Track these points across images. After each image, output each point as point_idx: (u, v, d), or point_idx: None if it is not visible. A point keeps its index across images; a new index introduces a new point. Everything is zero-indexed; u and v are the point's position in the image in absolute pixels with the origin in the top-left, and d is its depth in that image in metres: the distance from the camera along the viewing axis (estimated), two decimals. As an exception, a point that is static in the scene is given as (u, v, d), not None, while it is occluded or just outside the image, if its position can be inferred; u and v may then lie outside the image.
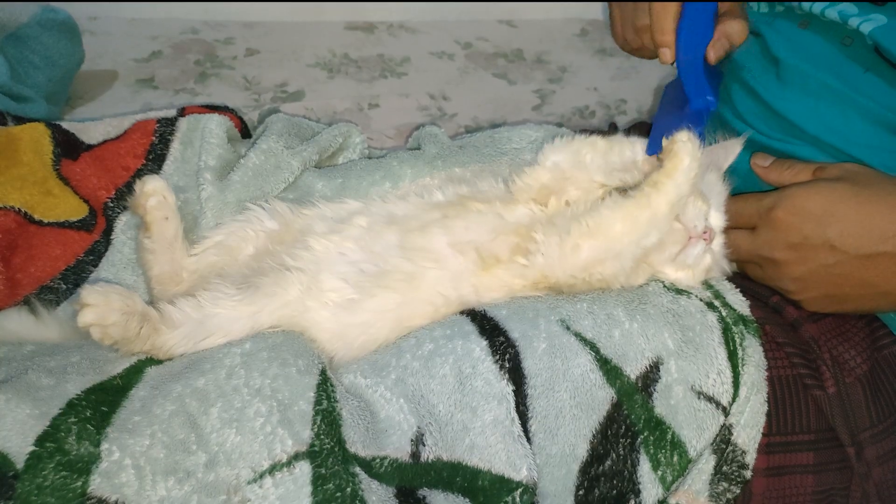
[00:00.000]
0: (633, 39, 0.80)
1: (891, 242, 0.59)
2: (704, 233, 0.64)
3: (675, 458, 0.57)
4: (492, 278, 0.62)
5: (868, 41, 0.68)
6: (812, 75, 0.73)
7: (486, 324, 0.58)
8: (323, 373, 0.56)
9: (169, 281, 0.67)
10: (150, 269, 0.67)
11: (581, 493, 0.55)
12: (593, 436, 0.56)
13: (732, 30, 0.72)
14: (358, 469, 0.52)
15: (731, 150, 0.70)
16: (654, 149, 0.66)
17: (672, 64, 0.74)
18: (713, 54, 0.72)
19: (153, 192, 0.67)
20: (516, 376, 0.55)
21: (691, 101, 0.71)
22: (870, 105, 0.69)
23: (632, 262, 0.62)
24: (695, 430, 0.58)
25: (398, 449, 0.54)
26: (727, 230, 0.67)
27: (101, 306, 0.56)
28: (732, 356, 0.60)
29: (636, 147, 0.67)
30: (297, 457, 0.50)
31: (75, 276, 0.68)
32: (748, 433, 0.59)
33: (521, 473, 0.52)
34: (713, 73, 0.74)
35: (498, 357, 0.55)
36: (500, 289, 0.62)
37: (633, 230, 0.60)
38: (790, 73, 0.75)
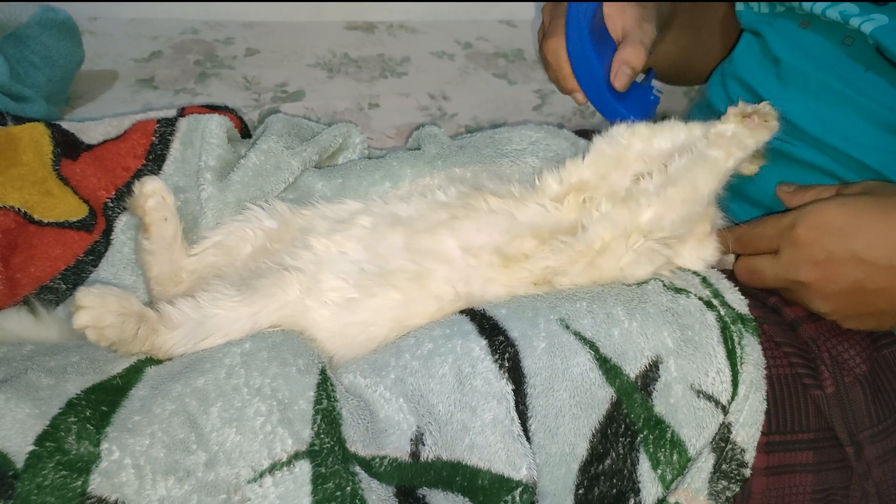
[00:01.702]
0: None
1: None
2: None
3: (675, 457, 0.57)
4: (509, 276, 0.62)
5: (869, 41, 0.68)
6: (812, 75, 0.73)
7: (485, 323, 0.58)
8: (323, 372, 0.56)
9: (168, 281, 0.67)
10: (150, 270, 0.67)
11: (581, 492, 0.55)
12: (593, 435, 0.56)
13: (629, 56, 0.72)
14: (358, 468, 0.52)
15: None
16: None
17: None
18: (619, 83, 0.73)
19: (152, 193, 0.67)
20: (516, 375, 0.55)
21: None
22: (870, 105, 0.69)
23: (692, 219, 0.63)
24: (694, 428, 0.58)
25: (398, 448, 0.54)
26: (749, 257, 0.66)
27: (96, 308, 0.56)
28: (731, 355, 0.60)
29: (691, 129, 0.67)
30: (297, 456, 0.50)
31: (75, 276, 0.69)
32: (747, 431, 0.59)
33: (520, 473, 0.52)
34: (640, 88, 0.77)
35: (497, 356, 0.55)
36: (511, 287, 0.62)
37: (712, 181, 0.62)
38: (790, 73, 0.75)
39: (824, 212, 0.61)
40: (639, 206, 0.61)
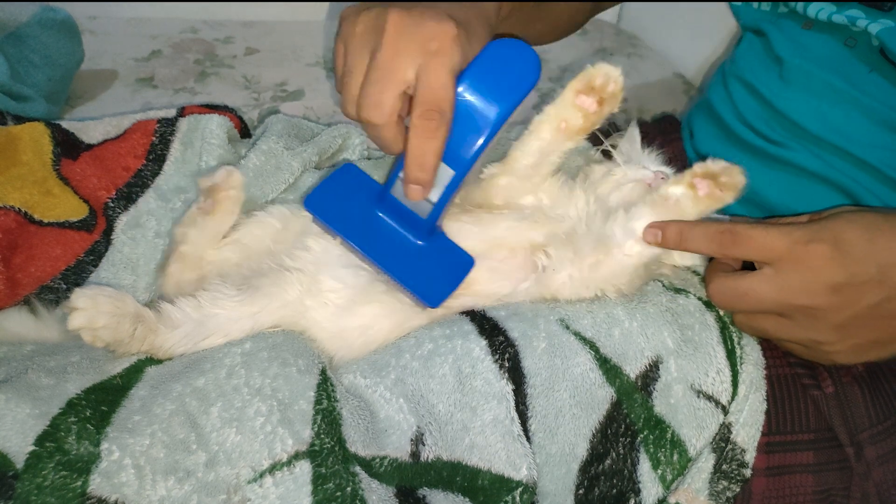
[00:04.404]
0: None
1: None
2: (656, 175, 0.64)
3: (675, 457, 0.57)
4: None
5: (874, 42, 0.68)
6: (816, 75, 0.73)
7: (485, 323, 0.58)
8: (323, 372, 0.56)
9: (193, 262, 0.66)
10: (182, 244, 0.66)
11: (581, 492, 0.55)
12: (593, 435, 0.56)
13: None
14: (358, 468, 0.52)
15: (631, 136, 0.72)
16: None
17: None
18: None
19: (237, 185, 0.67)
20: (516, 375, 0.55)
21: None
22: (874, 105, 0.69)
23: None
24: (694, 428, 0.58)
25: (398, 449, 0.54)
26: (736, 276, 0.58)
27: (89, 309, 0.56)
28: (731, 355, 0.60)
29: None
30: (297, 456, 0.50)
31: (75, 276, 0.68)
32: (747, 431, 0.59)
33: (520, 473, 0.52)
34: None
35: (497, 356, 0.55)
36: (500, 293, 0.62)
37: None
38: (793, 73, 0.75)
39: (842, 229, 0.54)
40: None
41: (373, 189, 0.61)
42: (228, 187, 0.66)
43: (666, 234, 0.58)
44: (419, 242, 0.61)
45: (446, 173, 0.57)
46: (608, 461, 0.56)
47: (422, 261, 0.60)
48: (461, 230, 0.63)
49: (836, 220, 0.55)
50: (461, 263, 0.61)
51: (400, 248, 0.60)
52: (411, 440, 0.54)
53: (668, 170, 0.67)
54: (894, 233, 0.54)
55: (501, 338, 0.56)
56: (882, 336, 0.56)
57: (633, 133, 0.71)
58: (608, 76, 0.61)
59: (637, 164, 0.68)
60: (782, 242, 0.54)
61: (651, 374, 0.57)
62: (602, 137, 0.71)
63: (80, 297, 0.56)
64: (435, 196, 0.58)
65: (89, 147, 0.74)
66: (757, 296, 0.56)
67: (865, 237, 0.54)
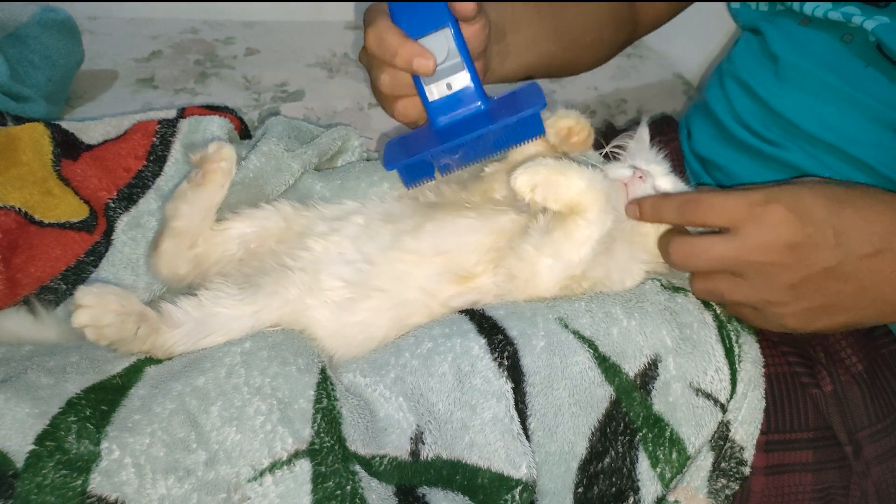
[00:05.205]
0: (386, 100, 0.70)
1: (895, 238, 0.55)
2: (634, 174, 0.64)
3: (674, 456, 0.57)
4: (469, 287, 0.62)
5: (871, 38, 0.69)
6: (811, 73, 0.73)
7: (484, 322, 0.58)
8: (323, 371, 0.56)
9: (184, 239, 0.66)
10: (176, 219, 0.66)
11: (580, 490, 0.55)
12: (592, 433, 0.56)
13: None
14: (358, 467, 0.52)
15: (640, 137, 0.71)
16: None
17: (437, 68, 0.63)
18: (464, 9, 0.61)
19: (228, 157, 0.66)
20: (515, 374, 0.55)
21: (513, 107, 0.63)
22: (869, 102, 0.69)
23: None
24: (693, 427, 0.58)
25: (398, 447, 0.54)
26: (692, 236, 0.59)
27: (95, 307, 0.56)
28: (729, 353, 0.60)
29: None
30: (297, 455, 0.50)
31: (75, 276, 0.69)
32: (746, 429, 0.59)
33: (520, 471, 0.52)
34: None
35: (496, 355, 0.55)
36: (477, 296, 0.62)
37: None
38: (789, 71, 0.75)
39: (800, 194, 0.56)
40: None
41: (419, 129, 0.66)
42: (219, 159, 0.66)
43: (643, 207, 0.61)
44: (484, 106, 0.64)
45: (444, 45, 0.63)
46: (607, 459, 0.56)
47: (503, 107, 0.63)
48: (468, 226, 0.63)
49: (797, 185, 0.57)
50: (531, 89, 0.64)
51: (479, 117, 0.64)
52: (411, 439, 0.54)
53: (653, 167, 0.66)
54: (853, 203, 0.56)
55: (500, 336, 0.56)
56: (831, 302, 0.57)
57: (643, 133, 0.71)
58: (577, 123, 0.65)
59: (646, 162, 0.68)
60: (741, 203, 0.56)
61: (650, 372, 0.57)
62: (603, 141, 0.71)
63: (86, 295, 0.56)
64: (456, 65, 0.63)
65: (89, 147, 0.74)
66: (715, 253, 0.57)
67: (824, 203, 0.55)
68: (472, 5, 0.61)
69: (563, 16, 0.85)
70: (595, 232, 0.58)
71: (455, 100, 0.64)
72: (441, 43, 0.62)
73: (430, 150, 0.62)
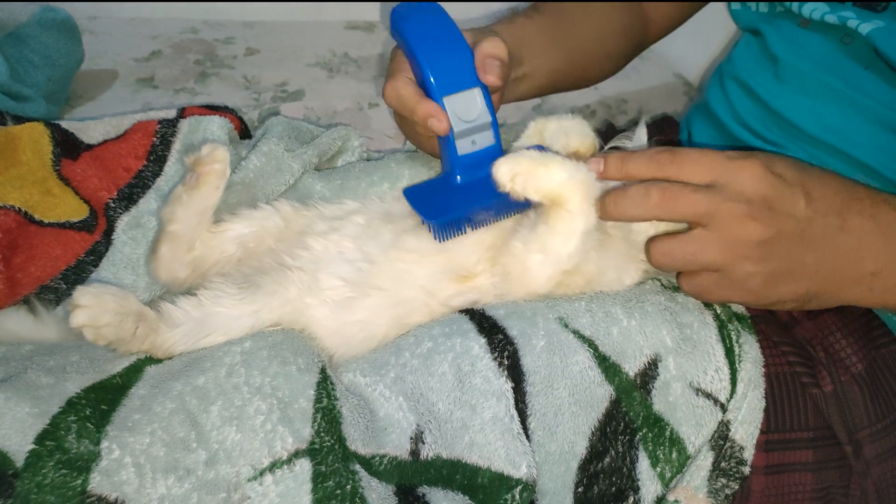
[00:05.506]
0: (412, 136, 0.75)
1: (866, 203, 0.56)
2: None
3: (674, 455, 0.57)
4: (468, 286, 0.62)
5: (868, 42, 0.69)
6: (811, 74, 0.73)
7: (484, 322, 0.58)
8: (323, 371, 0.56)
9: (183, 243, 0.66)
10: (172, 223, 0.65)
11: (580, 490, 0.55)
12: (592, 433, 0.56)
13: (490, 48, 0.66)
14: (358, 467, 0.52)
15: (639, 137, 0.71)
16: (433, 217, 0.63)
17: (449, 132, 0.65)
18: (492, 78, 0.65)
19: (222, 159, 0.66)
20: (515, 373, 0.55)
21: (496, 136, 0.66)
22: (869, 103, 0.69)
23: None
24: (693, 426, 0.58)
25: (398, 447, 0.54)
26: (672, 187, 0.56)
27: (93, 307, 0.56)
28: (729, 353, 0.60)
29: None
30: (297, 454, 0.50)
31: (75, 276, 0.68)
32: (746, 429, 0.59)
33: (520, 471, 0.52)
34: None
35: (497, 354, 0.55)
36: (477, 295, 0.62)
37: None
38: (789, 72, 0.75)
39: (773, 158, 0.55)
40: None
41: (444, 176, 0.68)
42: (213, 161, 0.65)
43: (608, 160, 0.59)
44: None
45: (475, 105, 0.66)
46: (607, 459, 0.56)
47: None
48: None
49: (765, 152, 0.57)
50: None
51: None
52: (411, 438, 0.54)
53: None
54: (817, 176, 0.56)
55: (500, 336, 0.56)
56: (795, 267, 0.56)
57: (641, 133, 0.71)
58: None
59: None
60: (720, 156, 0.55)
61: (650, 372, 0.57)
62: (602, 142, 0.71)
63: (84, 295, 0.56)
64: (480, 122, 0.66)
65: (89, 147, 0.75)
66: (677, 199, 0.55)
67: (795, 168, 0.56)
68: (497, 80, 0.65)
69: (575, 34, 0.86)
70: (579, 224, 0.57)
71: (482, 156, 0.66)
72: (472, 102, 0.65)
73: (470, 207, 0.63)
